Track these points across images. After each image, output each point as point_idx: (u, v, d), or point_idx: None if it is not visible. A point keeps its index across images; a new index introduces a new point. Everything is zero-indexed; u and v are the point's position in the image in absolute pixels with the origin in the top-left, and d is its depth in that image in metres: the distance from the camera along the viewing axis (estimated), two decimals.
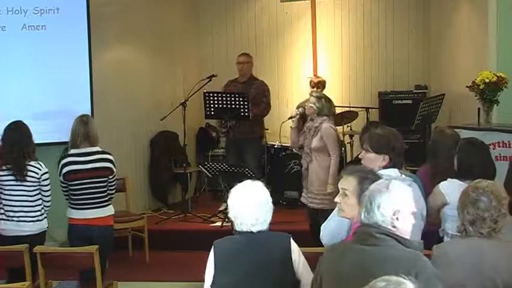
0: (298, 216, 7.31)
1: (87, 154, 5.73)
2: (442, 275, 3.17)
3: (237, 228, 3.69)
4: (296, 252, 3.74)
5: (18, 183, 5.67)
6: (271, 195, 3.79)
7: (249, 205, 3.66)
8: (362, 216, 3.12)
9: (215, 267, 3.69)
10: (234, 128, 8.12)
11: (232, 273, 3.66)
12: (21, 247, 5.41)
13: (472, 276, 3.48)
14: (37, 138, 6.19)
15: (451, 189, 4.60)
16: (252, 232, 3.66)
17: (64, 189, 5.80)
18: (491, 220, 3.54)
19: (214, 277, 3.69)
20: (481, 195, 3.58)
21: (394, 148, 4.24)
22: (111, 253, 6.02)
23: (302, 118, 6.85)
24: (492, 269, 3.48)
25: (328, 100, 6.67)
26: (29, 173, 5.66)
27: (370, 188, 3.17)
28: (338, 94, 9.37)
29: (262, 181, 3.96)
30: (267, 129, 8.83)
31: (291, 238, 3.75)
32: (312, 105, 6.54)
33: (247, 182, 3.78)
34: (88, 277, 5.46)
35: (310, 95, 6.84)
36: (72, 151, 5.73)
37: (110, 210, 5.90)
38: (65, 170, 5.70)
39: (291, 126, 6.95)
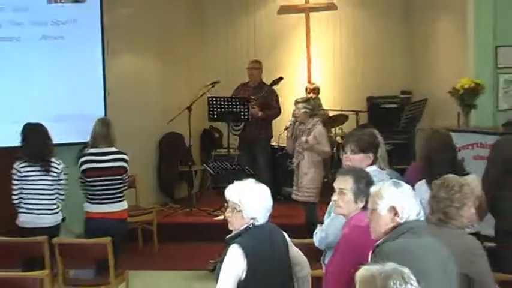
0: (294, 210, 7.30)
1: (104, 154, 5.73)
2: None
3: (255, 222, 3.59)
4: (290, 244, 3.79)
5: (41, 177, 5.67)
6: (271, 191, 3.81)
7: (264, 199, 3.63)
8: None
9: (249, 268, 3.50)
10: (244, 129, 8.21)
11: (263, 268, 3.56)
12: (41, 238, 5.41)
13: None
14: (56, 139, 6.21)
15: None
16: (264, 224, 3.62)
17: (82, 184, 5.81)
18: (439, 210, 3.55)
19: (247, 277, 3.51)
20: (437, 188, 3.65)
21: (376, 146, 4.24)
22: (124, 244, 6.03)
23: (294, 125, 6.91)
24: None
25: (313, 98, 6.74)
26: (52, 169, 5.69)
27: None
28: (330, 98, 9.40)
29: (258, 177, 4.00)
30: None
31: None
32: (304, 109, 6.57)
33: (249, 180, 3.72)
34: (102, 266, 5.46)
35: (296, 102, 6.83)
36: (91, 150, 5.75)
37: (123, 205, 5.90)
38: (84, 167, 5.71)
39: (287, 136, 7.04)
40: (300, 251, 3.87)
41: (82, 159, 5.75)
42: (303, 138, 6.58)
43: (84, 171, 5.72)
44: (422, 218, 3.25)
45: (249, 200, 3.59)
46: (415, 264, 2.88)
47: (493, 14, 7.15)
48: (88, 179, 5.73)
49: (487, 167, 5.16)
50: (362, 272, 2.49)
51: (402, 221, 3.14)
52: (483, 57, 7.22)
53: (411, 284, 2.42)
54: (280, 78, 8.29)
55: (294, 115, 6.83)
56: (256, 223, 3.59)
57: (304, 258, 3.87)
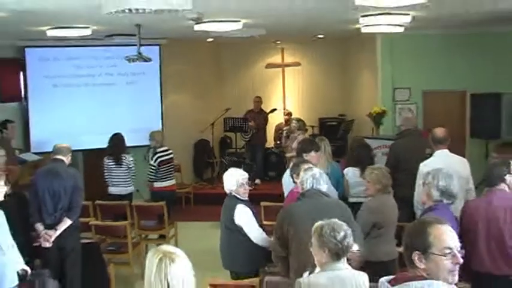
0: (275, 186, 7.08)
1: (166, 150, 5.87)
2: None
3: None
4: (238, 214, 3.56)
5: (117, 167, 5.74)
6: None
7: (225, 179, 3.73)
8: (315, 185, 3.07)
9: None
10: (252, 137, 8.28)
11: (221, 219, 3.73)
12: (125, 202, 5.59)
13: None
14: (131, 143, 6.25)
15: (350, 172, 4.66)
16: (226, 194, 3.73)
17: (153, 169, 5.79)
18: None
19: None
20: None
21: (302, 152, 4.23)
22: (173, 206, 6.09)
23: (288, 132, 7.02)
24: None
25: (301, 120, 6.81)
26: (123, 161, 5.75)
27: (313, 172, 3.15)
28: None
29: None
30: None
31: (240, 204, 3.57)
32: (295, 124, 6.59)
33: (232, 168, 3.79)
34: (160, 219, 5.59)
35: (292, 119, 6.88)
36: (160, 149, 5.84)
37: (174, 181, 6.01)
38: (159, 160, 5.79)
39: (284, 137, 7.09)
40: (247, 225, 3.58)
41: (157, 155, 5.79)
42: (287, 155, 6.60)
43: (160, 162, 5.77)
44: (323, 189, 3.13)
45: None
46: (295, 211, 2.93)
47: (391, 69, 7.28)
48: (159, 167, 5.78)
49: (386, 159, 5.22)
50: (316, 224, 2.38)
51: (303, 190, 3.16)
52: (387, 94, 7.35)
53: (338, 233, 2.31)
54: (275, 109, 8.49)
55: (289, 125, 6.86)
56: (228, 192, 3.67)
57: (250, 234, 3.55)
